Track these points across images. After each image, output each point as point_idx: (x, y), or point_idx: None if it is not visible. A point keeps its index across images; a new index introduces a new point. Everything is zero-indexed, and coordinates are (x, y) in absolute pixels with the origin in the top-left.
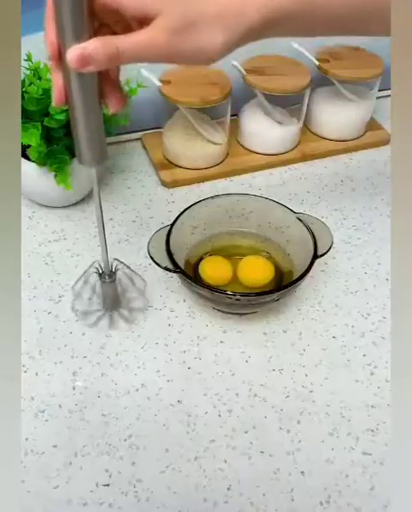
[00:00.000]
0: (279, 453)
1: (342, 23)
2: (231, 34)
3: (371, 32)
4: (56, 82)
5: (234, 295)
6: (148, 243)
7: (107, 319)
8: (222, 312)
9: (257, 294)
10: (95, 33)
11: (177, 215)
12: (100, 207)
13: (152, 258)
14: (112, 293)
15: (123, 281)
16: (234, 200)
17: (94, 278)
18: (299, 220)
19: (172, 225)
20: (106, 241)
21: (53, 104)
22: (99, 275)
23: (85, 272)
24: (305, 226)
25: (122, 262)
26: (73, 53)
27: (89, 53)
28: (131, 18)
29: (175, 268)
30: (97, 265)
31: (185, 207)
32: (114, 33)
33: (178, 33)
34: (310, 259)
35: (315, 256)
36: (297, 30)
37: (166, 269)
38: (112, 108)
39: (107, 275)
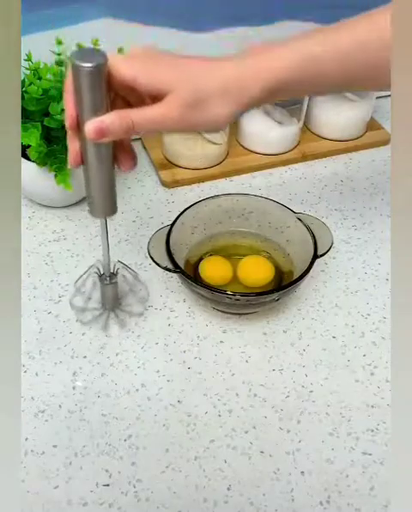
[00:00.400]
0: (279, 453)
1: (343, 83)
2: (235, 106)
3: (374, 87)
4: (72, 147)
5: (234, 295)
6: (148, 243)
7: (104, 319)
8: (222, 312)
9: (257, 294)
10: (111, 102)
11: (177, 215)
12: (106, 227)
13: (152, 258)
14: (111, 294)
15: (123, 283)
16: (234, 200)
17: (96, 277)
18: (299, 220)
19: (172, 225)
20: (107, 243)
21: (69, 166)
22: (100, 276)
23: (88, 269)
24: (306, 226)
25: (124, 264)
26: (90, 126)
27: (107, 126)
28: (145, 93)
29: (175, 268)
30: (98, 266)
31: (185, 207)
32: (128, 102)
33: (188, 109)
34: (310, 259)
35: (315, 256)
36: (298, 94)
37: (166, 269)
38: (123, 168)
39: (108, 276)
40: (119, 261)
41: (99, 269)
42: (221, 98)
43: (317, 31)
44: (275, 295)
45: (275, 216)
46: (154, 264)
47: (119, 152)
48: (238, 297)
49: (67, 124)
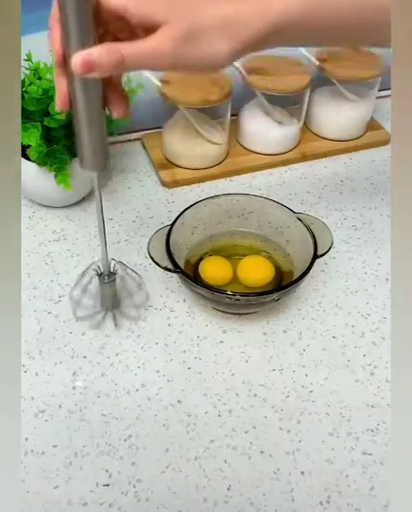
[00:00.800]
0: (279, 453)
1: (344, 32)
2: (235, 43)
3: (374, 42)
4: (59, 87)
5: (234, 295)
6: (148, 243)
7: (100, 317)
8: (222, 312)
9: (257, 294)
10: (100, 39)
11: (177, 215)
12: (102, 211)
13: (152, 258)
14: (109, 293)
15: (122, 282)
16: (234, 200)
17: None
18: (299, 220)
19: (172, 225)
20: (107, 242)
21: (57, 109)
22: (99, 275)
23: (90, 266)
24: (306, 226)
25: (123, 263)
26: (78, 59)
27: (94, 59)
28: (137, 26)
29: (175, 268)
30: (97, 265)
31: (185, 207)
32: (118, 40)
33: (183, 42)
34: (310, 259)
35: (315, 256)
36: (301, 39)
37: (166, 269)
38: (115, 113)
39: (106, 275)
40: (120, 262)
41: (99, 267)
42: (220, 32)
43: None
44: (275, 295)
45: (275, 216)
46: (154, 264)
47: (110, 94)
48: (238, 297)
49: (53, 57)
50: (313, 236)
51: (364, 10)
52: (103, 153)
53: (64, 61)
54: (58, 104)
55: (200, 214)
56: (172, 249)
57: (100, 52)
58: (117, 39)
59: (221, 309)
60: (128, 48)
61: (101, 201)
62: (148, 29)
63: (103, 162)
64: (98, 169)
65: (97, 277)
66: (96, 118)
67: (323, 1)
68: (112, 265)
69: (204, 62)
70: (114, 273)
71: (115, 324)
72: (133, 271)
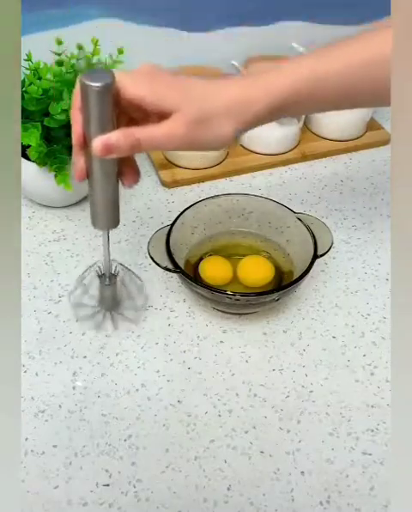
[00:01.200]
0: (279, 453)
1: (346, 100)
2: (240, 124)
3: (375, 104)
4: (77, 163)
5: (234, 295)
6: (148, 243)
7: (99, 318)
8: (222, 312)
9: (257, 294)
10: (117, 118)
11: (177, 215)
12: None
13: (152, 258)
14: (109, 295)
15: (123, 287)
16: (234, 200)
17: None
18: (299, 220)
19: (172, 225)
20: (108, 243)
21: (75, 181)
22: (100, 276)
23: (91, 267)
24: (305, 226)
25: (123, 265)
26: (98, 143)
27: (112, 143)
28: (151, 112)
29: (175, 268)
30: (98, 266)
31: (185, 207)
32: (133, 120)
33: (194, 126)
34: (310, 259)
35: (315, 256)
36: (303, 111)
37: (166, 269)
38: (127, 183)
39: (108, 277)
40: (121, 264)
41: (100, 268)
42: (226, 116)
43: (319, 50)
44: (275, 295)
45: (275, 216)
46: (154, 264)
47: (123, 167)
48: (238, 297)
49: (74, 140)
50: (313, 236)
51: (364, 78)
52: (115, 215)
53: (84, 141)
54: (76, 176)
55: (200, 214)
56: (172, 249)
57: (118, 137)
58: (132, 119)
59: (221, 309)
60: (143, 132)
61: (109, 236)
62: (161, 115)
63: (114, 222)
64: (110, 227)
65: (97, 279)
66: (110, 189)
67: (324, 75)
68: (113, 267)
69: (211, 143)
70: (115, 275)
71: (114, 326)
72: (134, 274)
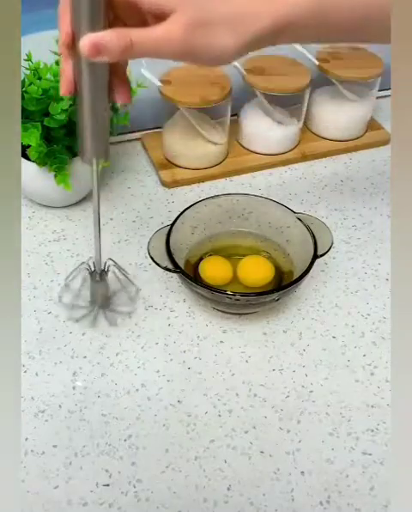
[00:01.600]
0: (279, 453)
1: (352, 29)
2: (243, 38)
3: (381, 39)
4: (65, 71)
5: (234, 295)
6: (148, 243)
7: (93, 316)
8: (222, 312)
9: (257, 294)
10: (109, 25)
11: (177, 215)
12: (98, 205)
13: (152, 258)
14: (101, 292)
15: (114, 281)
16: (234, 200)
17: (86, 274)
18: (299, 220)
19: (172, 225)
20: (101, 241)
21: (61, 93)
22: (91, 273)
23: (79, 266)
24: (305, 226)
25: (115, 263)
26: (87, 41)
27: (103, 43)
28: (147, 12)
29: (175, 268)
30: (90, 263)
31: (185, 207)
32: (127, 27)
33: (192, 30)
34: (310, 259)
35: (315, 256)
36: (308, 36)
37: (166, 269)
38: (119, 100)
39: (98, 274)
40: (110, 259)
41: (90, 265)
42: (229, 25)
43: None
44: (275, 295)
45: (275, 216)
46: (154, 264)
47: (115, 81)
48: (238, 297)
49: (61, 40)
50: (313, 236)
51: (372, 7)
52: (105, 141)
53: (73, 43)
54: (63, 88)
55: (200, 214)
56: (172, 249)
57: (110, 36)
58: (126, 26)
59: (221, 309)
60: (137, 34)
61: (99, 197)
62: (158, 17)
63: (105, 150)
64: (99, 157)
65: (88, 275)
66: (100, 106)
67: None
68: (105, 264)
69: (211, 54)
70: (106, 272)
71: (110, 323)
72: (125, 273)
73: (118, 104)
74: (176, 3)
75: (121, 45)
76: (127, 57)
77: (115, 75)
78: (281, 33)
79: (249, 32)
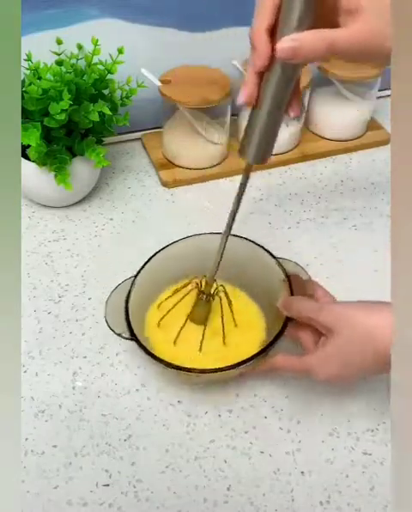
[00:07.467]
0: (279, 453)
1: None
2: None
3: None
4: (250, 86)
5: (195, 372)
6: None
7: None
8: None
9: (228, 367)
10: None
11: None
12: (237, 210)
13: (107, 321)
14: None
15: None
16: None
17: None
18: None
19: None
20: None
21: (238, 102)
22: (200, 292)
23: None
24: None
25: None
26: (287, 44)
27: (304, 45)
28: (343, 10)
29: (131, 335)
30: (198, 281)
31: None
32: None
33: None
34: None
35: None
36: None
37: (120, 335)
38: (293, 113)
39: (206, 295)
40: (222, 285)
41: (198, 284)
42: None
43: None
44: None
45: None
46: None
47: (293, 95)
48: (198, 375)
49: (257, 61)
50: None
51: None
52: (268, 149)
53: (269, 64)
54: (244, 97)
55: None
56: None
57: (312, 38)
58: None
59: None
60: (337, 34)
61: (241, 199)
62: (353, 13)
63: (265, 157)
64: (257, 162)
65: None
66: (278, 116)
67: None
68: (215, 286)
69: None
70: (214, 295)
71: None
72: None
73: (290, 115)
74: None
75: (323, 46)
76: (324, 58)
77: (294, 91)
78: None
79: None
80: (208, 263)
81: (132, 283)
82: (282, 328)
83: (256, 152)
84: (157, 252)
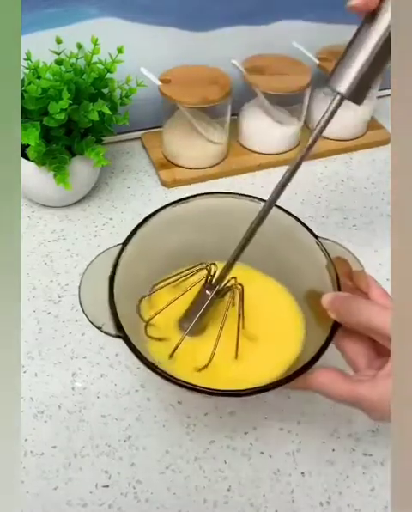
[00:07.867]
0: (279, 453)
1: None
2: None
3: None
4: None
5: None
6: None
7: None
8: None
9: (235, 392)
10: None
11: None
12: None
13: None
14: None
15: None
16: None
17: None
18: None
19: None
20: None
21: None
22: (207, 282)
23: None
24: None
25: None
26: None
27: None
28: None
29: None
30: (212, 270)
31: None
32: None
33: None
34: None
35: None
36: None
37: (106, 333)
38: None
39: (216, 288)
40: (233, 278)
41: (210, 272)
42: None
43: None
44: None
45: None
46: None
47: None
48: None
49: None
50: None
51: None
52: (369, 84)
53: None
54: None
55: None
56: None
57: None
58: None
59: None
60: None
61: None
62: None
63: (360, 95)
64: (350, 97)
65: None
66: (385, 58)
67: None
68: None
69: None
70: (226, 291)
71: None
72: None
73: None
74: None
75: None
76: None
77: None
78: None
79: None
80: (223, 244)
81: (119, 255)
82: (328, 338)
83: (352, 82)
84: (152, 215)
